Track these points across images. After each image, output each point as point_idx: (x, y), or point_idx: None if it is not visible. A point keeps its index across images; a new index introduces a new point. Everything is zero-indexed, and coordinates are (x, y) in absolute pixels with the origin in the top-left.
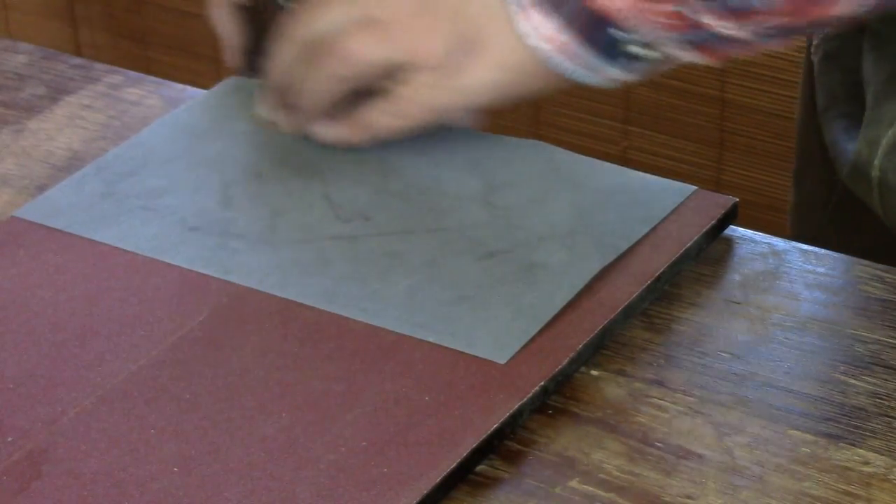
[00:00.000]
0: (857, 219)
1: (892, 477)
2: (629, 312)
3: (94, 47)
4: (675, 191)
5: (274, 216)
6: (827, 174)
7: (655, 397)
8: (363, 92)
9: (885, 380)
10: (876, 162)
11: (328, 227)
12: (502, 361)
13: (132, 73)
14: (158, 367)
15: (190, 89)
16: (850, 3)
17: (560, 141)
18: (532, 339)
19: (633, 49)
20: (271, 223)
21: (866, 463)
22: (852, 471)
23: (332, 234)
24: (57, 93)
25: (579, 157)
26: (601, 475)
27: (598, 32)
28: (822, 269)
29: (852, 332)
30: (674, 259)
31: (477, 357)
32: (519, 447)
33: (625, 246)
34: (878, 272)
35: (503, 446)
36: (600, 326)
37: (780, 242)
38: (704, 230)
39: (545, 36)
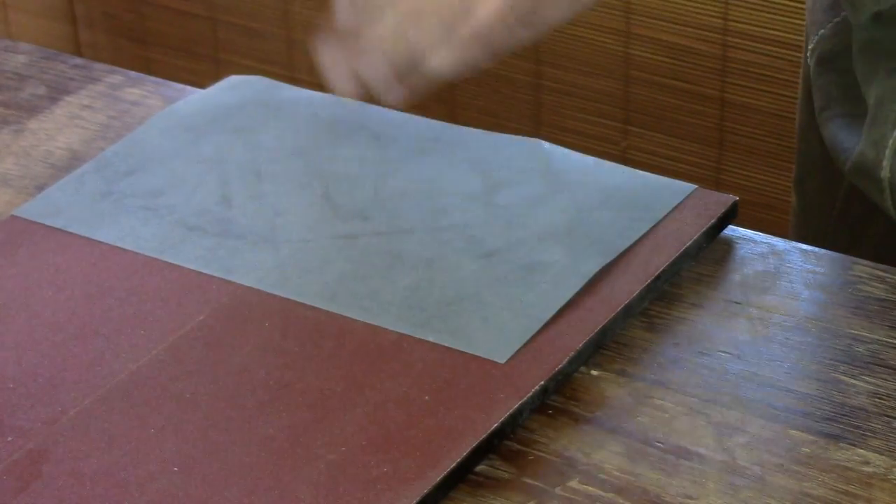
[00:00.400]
0: (863, 222)
1: (892, 477)
2: (629, 312)
3: (94, 47)
4: (674, 190)
5: (274, 216)
6: (830, 179)
7: (655, 397)
8: None
9: (885, 380)
10: (885, 163)
11: (328, 226)
12: (502, 361)
13: (132, 73)
14: (158, 367)
15: (190, 89)
16: None
17: (560, 141)
18: (532, 339)
19: None
20: (271, 223)
21: (866, 463)
22: (852, 471)
23: (332, 234)
24: (57, 93)
25: (579, 157)
26: (601, 475)
27: None
28: (822, 269)
29: (852, 331)
30: (674, 258)
31: (477, 357)
32: (519, 447)
33: (625, 245)
34: (878, 272)
35: (503, 446)
36: (600, 326)
37: (780, 242)
38: (704, 229)
39: None
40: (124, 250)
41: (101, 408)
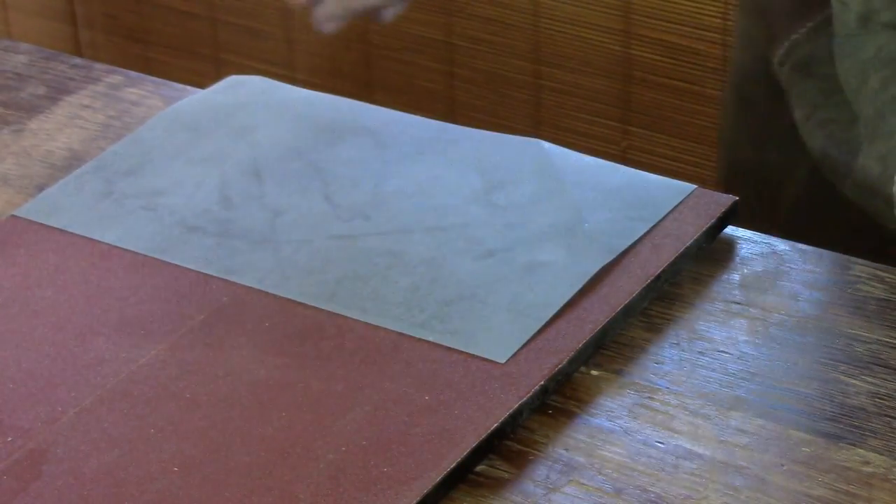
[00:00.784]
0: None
1: (892, 477)
2: (629, 312)
3: (94, 47)
4: (674, 190)
5: (274, 216)
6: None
7: (655, 397)
8: None
9: (885, 380)
10: None
11: (328, 226)
12: (502, 361)
13: (132, 73)
14: (158, 367)
15: (190, 89)
16: None
17: (560, 141)
18: (532, 339)
19: None
20: (271, 223)
21: (866, 463)
22: (852, 471)
23: (332, 234)
24: (57, 93)
25: (579, 157)
26: (601, 475)
27: None
28: (822, 269)
29: (852, 331)
30: (674, 258)
31: (477, 356)
32: (519, 447)
33: (625, 245)
34: (878, 272)
35: (503, 446)
36: (600, 326)
37: (780, 242)
38: (704, 229)
39: None
40: (124, 250)
41: (101, 408)
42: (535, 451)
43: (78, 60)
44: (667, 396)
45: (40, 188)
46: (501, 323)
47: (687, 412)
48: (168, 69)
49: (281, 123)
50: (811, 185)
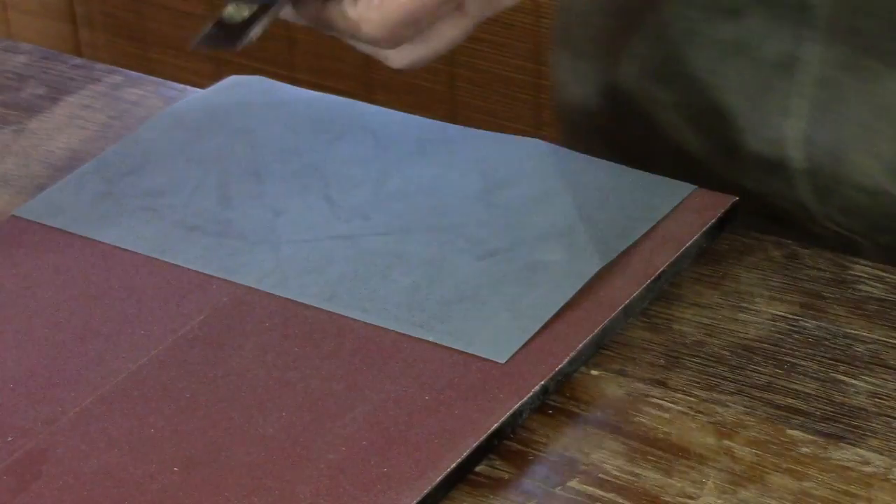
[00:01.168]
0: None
1: (892, 477)
2: (629, 312)
3: (94, 47)
4: (674, 190)
5: (274, 216)
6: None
7: (655, 397)
8: None
9: (885, 380)
10: (793, 154)
11: (328, 227)
12: (502, 361)
13: (132, 73)
14: (158, 367)
15: (190, 89)
16: None
17: (560, 140)
18: (532, 339)
19: None
20: (271, 223)
21: (866, 463)
22: (852, 471)
23: (332, 234)
24: (57, 93)
25: (579, 156)
26: (601, 475)
27: None
28: (821, 269)
29: (852, 331)
30: (674, 258)
31: (477, 357)
32: (519, 447)
33: (624, 245)
34: (878, 272)
35: (503, 446)
36: (600, 326)
37: (780, 242)
38: (704, 229)
39: None
40: (124, 250)
41: (101, 408)
42: (535, 451)
43: (78, 60)
44: (667, 396)
45: (40, 188)
46: (501, 323)
47: (687, 412)
48: (168, 69)
49: (281, 123)
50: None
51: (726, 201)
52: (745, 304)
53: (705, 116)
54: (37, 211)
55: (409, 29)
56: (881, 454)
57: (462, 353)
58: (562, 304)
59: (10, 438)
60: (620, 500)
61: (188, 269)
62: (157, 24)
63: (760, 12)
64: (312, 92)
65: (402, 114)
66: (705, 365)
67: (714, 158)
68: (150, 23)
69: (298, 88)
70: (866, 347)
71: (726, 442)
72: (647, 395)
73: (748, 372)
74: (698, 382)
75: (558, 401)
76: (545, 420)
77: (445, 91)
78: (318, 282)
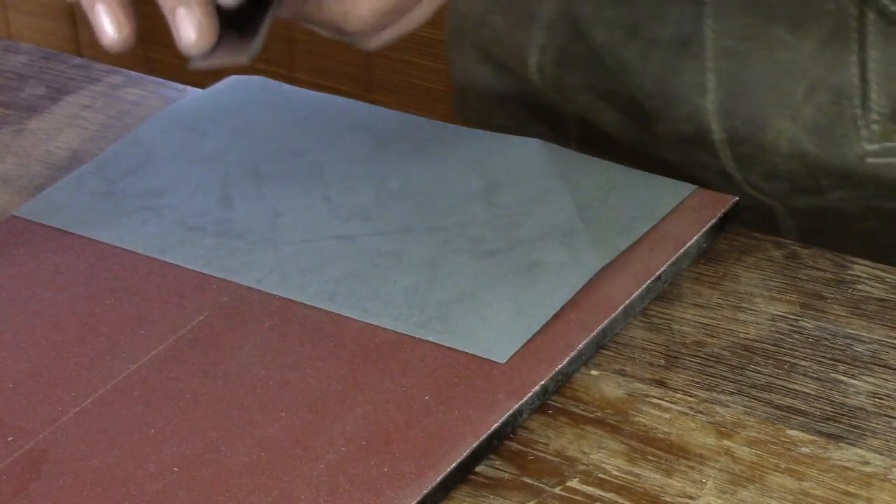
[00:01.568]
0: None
1: (892, 477)
2: (629, 312)
3: (94, 47)
4: (674, 190)
5: (274, 216)
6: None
7: (655, 397)
8: None
9: (885, 380)
10: (713, 126)
11: (328, 227)
12: (502, 361)
13: (132, 73)
14: (158, 367)
15: (190, 89)
16: None
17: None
18: (532, 339)
19: None
20: (271, 223)
21: (866, 463)
22: (852, 471)
23: (332, 234)
24: (57, 93)
25: (579, 156)
26: (601, 475)
27: None
28: (821, 269)
29: (851, 331)
30: (674, 258)
31: (477, 356)
32: (519, 447)
33: (624, 245)
34: (878, 272)
35: (503, 446)
36: (600, 326)
37: (780, 242)
38: (704, 229)
39: None
40: (124, 250)
41: (101, 408)
42: (535, 451)
43: (78, 60)
44: (667, 396)
45: (40, 188)
46: (501, 323)
47: (687, 412)
48: (168, 69)
49: (281, 123)
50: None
51: (726, 201)
52: (745, 304)
53: (619, 97)
54: (36, 211)
55: (392, 18)
56: (881, 454)
57: (462, 353)
58: (562, 304)
59: (10, 438)
60: (620, 500)
61: (188, 269)
62: (157, 24)
63: None
64: (312, 92)
65: (402, 114)
66: (705, 365)
67: (633, 135)
68: (150, 23)
69: (298, 88)
70: (866, 347)
71: (726, 442)
72: (647, 395)
73: (748, 372)
74: (698, 382)
75: (558, 401)
76: (545, 420)
77: (445, 91)
78: (318, 282)
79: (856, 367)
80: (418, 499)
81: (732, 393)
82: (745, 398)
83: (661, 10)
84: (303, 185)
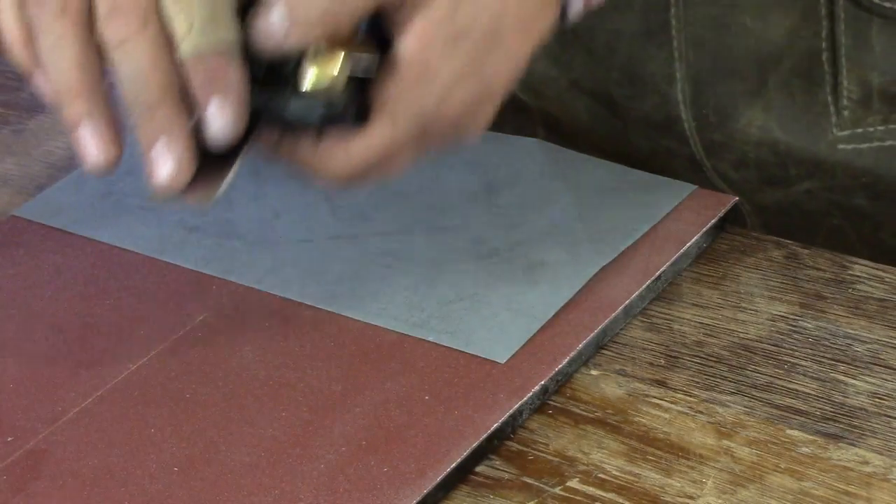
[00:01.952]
0: None
1: (892, 477)
2: (629, 312)
3: None
4: (674, 190)
5: (274, 216)
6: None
7: (655, 397)
8: None
9: (885, 380)
10: (684, 115)
11: (328, 227)
12: (502, 361)
13: None
14: (158, 366)
15: None
16: None
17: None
18: (532, 339)
19: None
20: (271, 223)
21: (866, 463)
22: (852, 471)
23: (332, 234)
24: None
25: (579, 156)
26: (601, 475)
27: None
28: (821, 269)
29: (851, 331)
30: (674, 258)
31: (477, 356)
32: (519, 447)
33: (624, 245)
34: (878, 272)
35: (503, 446)
36: (600, 326)
37: (779, 242)
38: (704, 229)
39: None
40: (124, 250)
41: (101, 408)
42: (535, 451)
43: None
44: (667, 396)
45: (40, 188)
46: (501, 323)
47: (687, 412)
48: None
49: None
50: None
51: (726, 201)
52: (744, 304)
53: (588, 85)
54: (37, 211)
55: (373, 171)
56: (881, 454)
57: (462, 353)
58: (562, 304)
59: (10, 438)
60: (620, 500)
61: (188, 269)
62: None
63: None
64: None
65: None
66: (705, 365)
67: (605, 122)
68: None
69: None
70: (866, 347)
71: (726, 442)
72: (647, 395)
73: (748, 372)
74: (698, 382)
75: (558, 401)
76: (545, 420)
77: None
78: (318, 282)
79: (856, 367)
80: (418, 499)
81: (732, 393)
82: (745, 398)
83: (627, 2)
84: (303, 185)
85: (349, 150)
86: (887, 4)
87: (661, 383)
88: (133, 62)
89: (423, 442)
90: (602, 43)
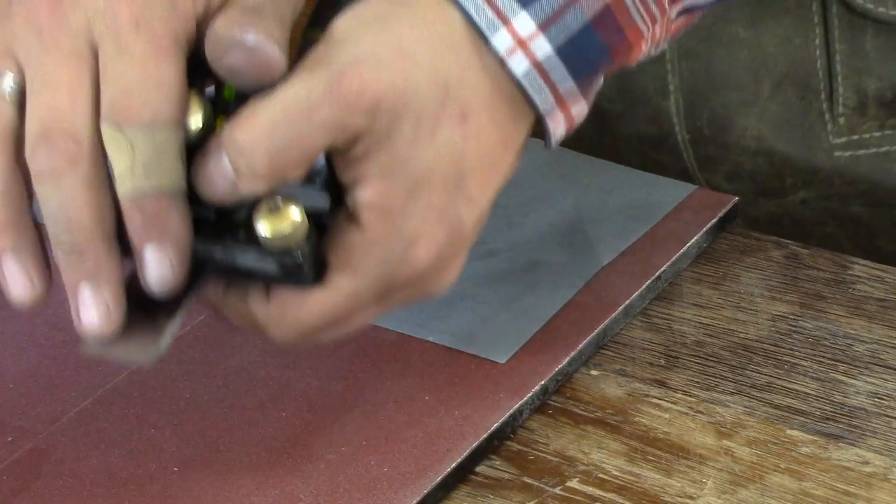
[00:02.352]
0: None
1: (892, 477)
2: (629, 311)
3: None
4: (674, 190)
5: None
6: None
7: (655, 397)
8: None
9: (885, 380)
10: (678, 128)
11: None
12: (502, 361)
13: None
14: (158, 367)
15: None
16: None
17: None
18: (532, 339)
19: None
20: None
21: (866, 463)
22: (852, 471)
23: None
24: None
25: (579, 156)
26: (601, 475)
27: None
28: (821, 269)
29: (851, 331)
30: (674, 258)
31: (477, 356)
32: (519, 447)
33: (624, 245)
34: (877, 272)
35: (503, 446)
36: (600, 325)
37: (779, 242)
38: (705, 229)
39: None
40: None
41: (101, 408)
42: (535, 451)
43: None
44: (667, 396)
45: None
46: (501, 323)
47: (687, 412)
48: None
49: None
50: None
51: (726, 201)
52: (745, 304)
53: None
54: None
55: (329, 330)
56: (881, 454)
57: (462, 353)
58: (562, 304)
59: (10, 438)
60: (620, 500)
61: None
62: None
63: None
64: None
65: None
66: (705, 365)
67: (589, 139)
68: None
69: None
70: (866, 347)
71: (726, 442)
72: (647, 395)
73: (748, 372)
74: (698, 382)
75: (558, 401)
76: (545, 420)
77: None
78: None
79: (856, 367)
80: (418, 499)
81: (732, 393)
82: (745, 398)
83: None
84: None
85: (304, 307)
86: (882, 10)
87: (661, 383)
88: (61, 198)
89: (423, 442)
90: None
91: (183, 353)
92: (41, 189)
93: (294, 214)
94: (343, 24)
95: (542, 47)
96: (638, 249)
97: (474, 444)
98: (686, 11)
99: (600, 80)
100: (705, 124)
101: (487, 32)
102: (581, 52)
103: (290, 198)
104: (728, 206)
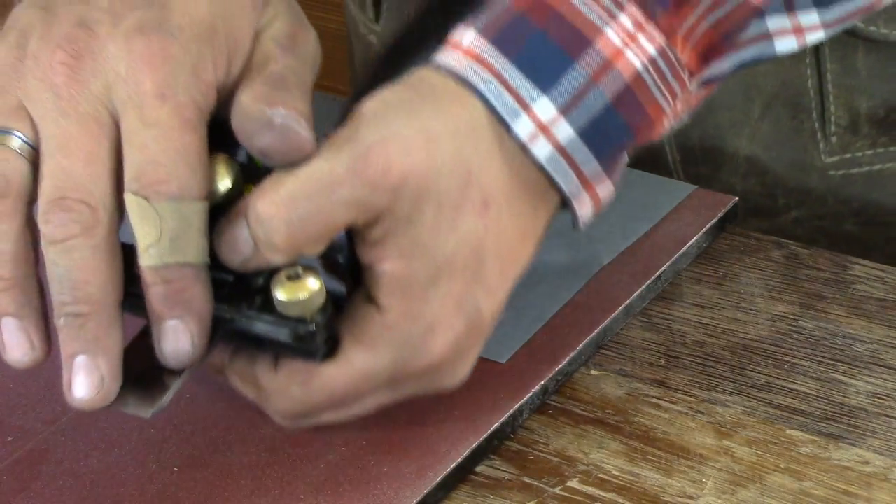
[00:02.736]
0: None
1: (892, 477)
2: (629, 311)
3: None
4: (674, 190)
5: None
6: None
7: (655, 397)
8: None
9: (885, 380)
10: (668, 147)
11: None
12: (502, 361)
13: None
14: None
15: None
16: None
17: None
18: (532, 339)
19: None
20: None
21: (866, 463)
22: (852, 471)
23: None
24: None
25: None
26: (601, 475)
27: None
28: (821, 269)
29: (851, 331)
30: (674, 258)
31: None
32: (519, 447)
33: (624, 245)
34: (878, 272)
35: (503, 446)
36: (600, 325)
37: (779, 242)
38: (705, 229)
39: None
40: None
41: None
42: (535, 451)
43: None
44: (667, 396)
45: None
46: (501, 323)
47: (687, 412)
48: None
49: None
50: None
51: (726, 201)
52: (745, 304)
53: None
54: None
55: (334, 409)
56: (881, 454)
57: None
58: (562, 304)
59: (10, 438)
60: (620, 500)
61: None
62: None
63: None
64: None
65: None
66: (705, 365)
67: None
68: None
69: None
70: (866, 347)
71: (726, 442)
72: (647, 395)
73: (748, 372)
74: (698, 382)
75: (558, 401)
76: (545, 420)
77: None
78: None
79: (856, 367)
80: (418, 499)
81: (732, 393)
82: (745, 398)
83: None
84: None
85: (312, 380)
86: (872, 28)
87: (661, 383)
88: (69, 265)
89: (423, 442)
90: None
91: None
92: (51, 253)
93: (312, 284)
94: (370, 106)
95: (565, 130)
96: (638, 249)
97: (474, 444)
98: (706, 82)
99: (625, 159)
100: (696, 144)
101: (508, 119)
102: (604, 133)
103: (310, 268)
104: (728, 206)
